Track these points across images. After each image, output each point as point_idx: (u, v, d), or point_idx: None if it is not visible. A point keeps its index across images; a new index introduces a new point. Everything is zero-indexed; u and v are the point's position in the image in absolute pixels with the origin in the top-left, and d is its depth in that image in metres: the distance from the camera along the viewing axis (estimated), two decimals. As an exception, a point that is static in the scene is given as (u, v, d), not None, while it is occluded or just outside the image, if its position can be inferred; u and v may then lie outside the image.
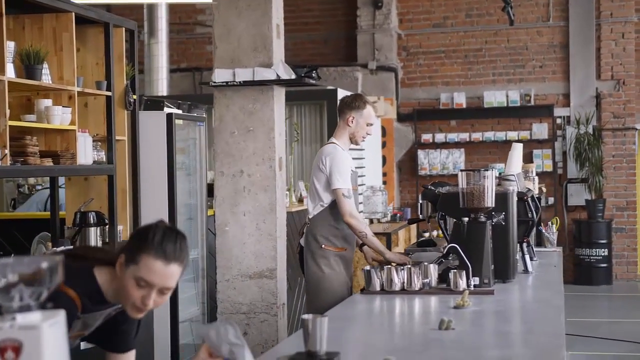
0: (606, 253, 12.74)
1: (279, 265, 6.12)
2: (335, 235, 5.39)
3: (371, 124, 5.55)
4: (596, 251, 12.72)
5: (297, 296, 7.71)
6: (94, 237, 5.56)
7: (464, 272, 4.34)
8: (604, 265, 12.76)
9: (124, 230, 6.04)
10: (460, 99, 13.34)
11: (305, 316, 2.79)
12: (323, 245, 5.37)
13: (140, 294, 2.66)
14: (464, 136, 13.30)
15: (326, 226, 5.38)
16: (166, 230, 2.72)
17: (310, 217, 5.47)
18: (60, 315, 1.82)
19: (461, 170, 4.60)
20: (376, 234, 9.32)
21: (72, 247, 5.01)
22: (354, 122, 5.48)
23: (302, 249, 5.56)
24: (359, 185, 10.27)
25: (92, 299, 2.73)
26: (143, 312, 2.71)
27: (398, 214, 11.59)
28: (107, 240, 5.76)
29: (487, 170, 4.56)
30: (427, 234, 12.65)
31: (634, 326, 9.98)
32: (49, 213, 5.97)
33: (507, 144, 13.05)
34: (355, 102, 5.51)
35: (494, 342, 3.35)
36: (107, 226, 5.73)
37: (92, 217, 5.57)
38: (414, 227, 11.84)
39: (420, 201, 5.30)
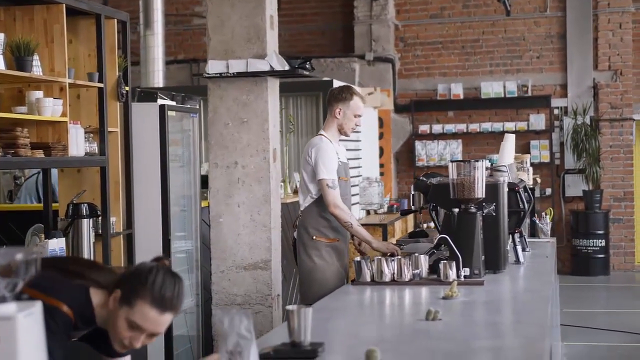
0: (603, 244, 12.75)
1: (274, 256, 6.12)
2: (326, 226, 5.41)
3: (359, 115, 5.54)
4: (593, 242, 12.73)
5: (291, 287, 7.72)
6: (87, 228, 5.56)
7: (454, 262, 4.35)
8: (601, 256, 12.77)
9: (116, 222, 6.04)
10: (458, 90, 13.33)
11: (290, 307, 2.80)
12: (314, 237, 5.40)
13: (130, 335, 2.66)
14: (462, 127, 13.30)
15: (317, 217, 5.40)
16: (166, 275, 2.70)
17: (301, 209, 5.49)
18: (36, 307, 1.82)
19: (452, 161, 4.61)
20: (372, 225, 9.40)
21: (66, 257, 4.91)
22: (341, 114, 5.50)
23: (294, 240, 5.58)
24: (355, 176, 10.33)
25: (83, 318, 2.72)
26: (128, 349, 2.71)
27: (395, 205, 11.59)
28: (99, 232, 5.76)
29: (478, 161, 4.56)
30: (424, 225, 12.68)
31: (631, 317, 9.99)
32: (42, 205, 5.97)
33: (504, 135, 13.02)
34: (342, 93, 5.53)
35: (479, 332, 3.36)
36: (99, 218, 5.73)
37: (84, 209, 5.56)
38: (411, 218, 11.85)
39: (412, 192, 5.31)
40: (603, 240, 12.74)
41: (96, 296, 2.73)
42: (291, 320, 2.78)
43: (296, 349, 2.75)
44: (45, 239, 5.38)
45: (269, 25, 6.20)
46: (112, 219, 5.91)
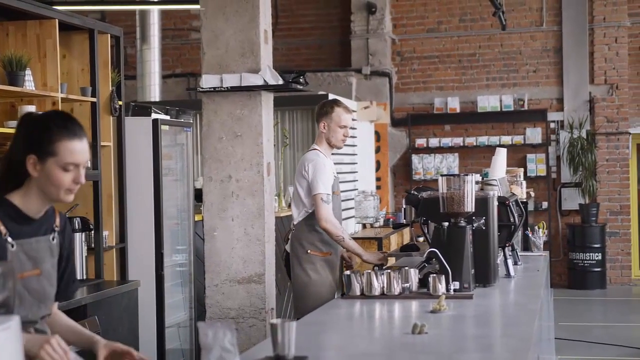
0: (600, 257, 12.75)
1: (267, 270, 6.13)
2: (321, 240, 5.44)
3: (344, 126, 5.60)
4: (590, 255, 12.73)
5: (285, 301, 7.72)
6: (79, 242, 5.57)
7: (444, 276, 4.36)
8: (598, 269, 12.77)
9: (109, 236, 6.05)
10: (454, 104, 13.36)
11: (273, 321, 2.81)
12: (309, 251, 5.43)
13: (70, 178, 2.79)
14: (458, 141, 13.32)
15: (311, 231, 5.44)
16: (57, 114, 2.87)
17: (294, 222, 5.53)
18: (14, 321, 1.83)
19: (441, 175, 4.62)
20: (368, 238, 9.41)
21: None
22: (326, 128, 5.60)
23: (287, 255, 5.60)
24: (350, 190, 10.34)
25: (16, 220, 2.80)
26: (74, 191, 2.84)
27: (392, 219, 11.59)
28: (92, 246, 5.77)
29: (467, 175, 4.57)
30: (421, 239, 12.67)
31: (627, 330, 9.98)
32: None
33: (496, 149, 13.03)
34: (324, 108, 5.65)
35: (464, 345, 3.36)
36: (92, 232, 5.75)
37: (77, 223, 5.58)
38: (406, 231, 11.85)
39: (404, 206, 5.33)
40: (599, 254, 12.75)
41: (13, 197, 2.82)
42: (275, 333, 2.79)
43: (279, 362, 2.76)
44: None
45: (263, 39, 6.22)
46: (105, 233, 5.92)
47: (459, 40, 13.55)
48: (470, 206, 4.54)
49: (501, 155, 5.73)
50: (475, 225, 4.61)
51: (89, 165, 5.75)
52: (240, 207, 6.09)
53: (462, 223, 4.55)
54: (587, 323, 10.42)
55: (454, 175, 4.60)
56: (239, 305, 5.95)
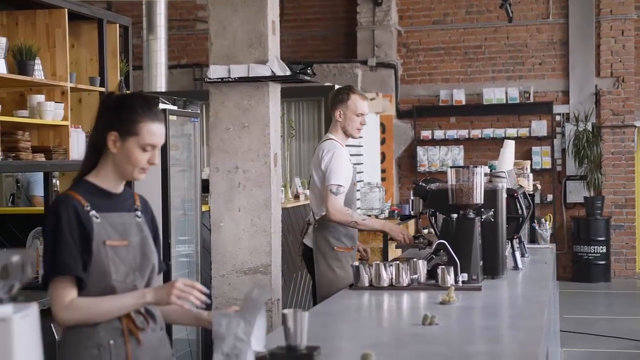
0: (604, 250, 12.76)
1: (274, 261, 6.13)
2: (345, 235, 5.34)
3: (361, 114, 5.45)
4: (594, 248, 12.73)
5: (292, 292, 7.73)
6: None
7: (452, 268, 4.36)
8: (603, 262, 12.77)
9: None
10: (460, 96, 13.35)
11: (286, 311, 2.81)
12: (335, 247, 5.31)
13: (146, 157, 2.93)
14: (463, 133, 13.32)
15: (336, 226, 5.31)
16: (141, 96, 3.03)
17: (317, 217, 5.37)
18: (32, 308, 1.84)
19: (450, 167, 4.61)
20: (373, 230, 9.37)
21: None
22: (342, 116, 5.44)
23: (306, 249, 5.46)
24: (357, 181, 10.33)
25: (96, 195, 2.94)
26: (146, 171, 2.98)
27: (396, 211, 11.59)
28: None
29: (476, 167, 4.57)
30: (425, 231, 12.67)
31: (631, 323, 9.99)
32: (43, 209, 5.98)
33: (504, 141, 13.04)
34: (339, 95, 5.48)
35: (474, 337, 3.37)
36: (100, 221, 5.75)
37: (85, 213, 5.58)
38: (412, 223, 11.86)
39: (412, 198, 5.31)
40: (604, 247, 12.75)
41: (91, 177, 2.97)
42: (287, 323, 2.79)
43: (292, 352, 2.76)
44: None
45: (270, 30, 6.21)
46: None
47: (465, 33, 13.54)
48: (479, 198, 4.53)
49: (509, 147, 5.72)
50: (484, 217, 4.61)
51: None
52: (247, 198, 6.09)
53: (471, 215, 4.55)
54: (591, 316, 10.43)
55: (463, 167, 4.60)
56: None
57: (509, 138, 12.95)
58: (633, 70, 13.05)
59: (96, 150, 2.97)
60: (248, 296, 2.83)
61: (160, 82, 10.56)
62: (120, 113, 2.93)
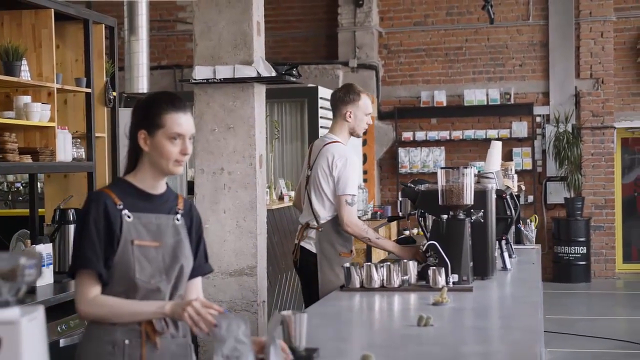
0: (585, 251, 12.83)
1: (259, 262, 6.12)
2: (347, 239, 5.20)
3: (369, 113, 5.30)
4: (575, 249, 12.80)
5: (277, 293, 7.71)
6: (73, 234, 5.52)
7: (443, 269, 4.36)
8: (583, 262, 12.85)
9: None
10: (441, 97, 13.39)
11: (285, 312, 2.80)
12: (341, 253, 5.18)
13: (177, 149, 2.97)
14: (445, 134, 13.34)
15: (342, 232, 5.16)
16: (163, 93, 3.10)
17: (322, 221, 5.19)
18: (39, 311, 1.82)
19: (441, 168, 4.62)
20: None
21: None
22: (352, 116, 5.23)
23: (304, 252, 5.27)
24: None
25: (133, 195, 2.99)
26: (182, 163, 3.02)
27: (379, 212, 11.62)
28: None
29: (467, 168, 4.57)
30: (407, 232, 12.70)
31: (612, 323, 10.05)
32: (28, 210, 5.93)
33: (487, 142, 13.02)
34: (349, 94, 5.24)
35: (471, 337, 3.38)
36: (87, 223, 5.70)
37: (71, 214, 5.54)
38: (394, 224, 11.89)
39: (400, 199, 5.30)
40: (584, 248, 12.83)
41: (129, 177, 3.03)
42: (286, 325, 2.78)
43: (292, 354, 2.75)
44: (32, 244, 5.35)
45: (255, 31, 6.20)
46: (99, 225, 5.88)
47: (446, 34, 13.57)
48: (469, 199, 4.54)
49: (496, 148, 5.74)
50: (473, 218, 4.62)
51: (84, 156, 5.72)
52: (233, 200, 6.08)
53: (461, 216, 4.56)
54: (573, 316, 10.48)
55: (453, 168, 4.60)
56: (230, 298, 5.94)
57: (490, 139, 12.99)
58: (612, 71, 13.14)
59: (133, 153, 3.03)
60: (218, 333, 2.77)
61: (142, 83, 10.49)
62: (145, 111, 3.00)
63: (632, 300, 11.96)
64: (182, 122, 2.98)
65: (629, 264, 13.68)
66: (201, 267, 3.17)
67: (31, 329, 1.77)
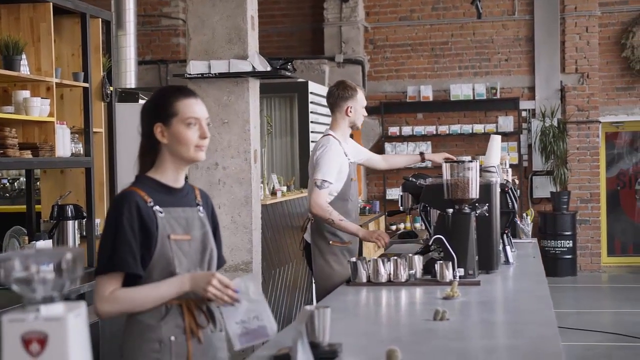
0: (571, 244, 12.89)
1: (254, 258, 6.10)
2: None
3: (365, 105, 5.59)
4: (561, 243, 12.86)
5: (272, 289, 7.68)
6: (72, 230, 5.48)
7: (450, 263, 4.35)
8: (569, 256, 12.91)
9: (101, 224, 5.97)
10: (427, 92, 13.39)
11: (309, 307, 2.78)
12: (331, 242, 5.30)
13: (196, 134, 2.97)
14: (431, 129, 13.35)
15: None
16: (167, 86, 3.16)
17: (314, 212, 5.29)
18: (83, 307, 1.79)
19: (445, 162, 4.60)
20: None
21: None
22: (352, 111, 5.47)
23: (307, 245, 5.45)
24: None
25: (159, 191, 2.98)
26: (203, 148, 3.00)
27: (367, 207, 11.62)
28: (84, 233, 5.69)
29: (472, 161, 4.57)
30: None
31: (598, 316, 10.11)
32: (24, 207, 5.87)
33: (473, 136, 13.15)
34: (347, 91, 5.46)
35: (489, 331, 3.37)
36: (84, 219, 5.66)
37: (69, 210, 5.49)
38: (382, 219, 11.89)
39: (401, 193, 5.28)
40: (570, 241, 12.88)
41: (151, 173, 3.00)
42: (310, 320, 2.76)
43: (315, 349, 2.73)
44: (31, 241, 5.30)
45: (250, 25, 6.18)
46: (97, 221, 5.84)
47: (432, 29, 13.58)
48: (474, 193, 4.53)
49: (496, 142, 5.73)
50: (478, 211, 4.61)
51: (82, 152, 5.66)
52: (227, 195, 6.06)
53: (467, 210, 4.55)
54: (560, 310, 10.51)
55: (458, 161, 4.59)
56: (226, 294, 5.90)
57: (477, 134, 13.04)
58: (597, 66, 13.19)
59: (151, 150, 3.00)
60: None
61: (130, 78, 10.42)
62: (157, 105, 3.00)
63: (618, 293, 12.03)
64: (195, 105, 2.99)
65: (613, 257, 13.76)
66: (220, 258, 3.17)
67: (76, 325, 1.75)
